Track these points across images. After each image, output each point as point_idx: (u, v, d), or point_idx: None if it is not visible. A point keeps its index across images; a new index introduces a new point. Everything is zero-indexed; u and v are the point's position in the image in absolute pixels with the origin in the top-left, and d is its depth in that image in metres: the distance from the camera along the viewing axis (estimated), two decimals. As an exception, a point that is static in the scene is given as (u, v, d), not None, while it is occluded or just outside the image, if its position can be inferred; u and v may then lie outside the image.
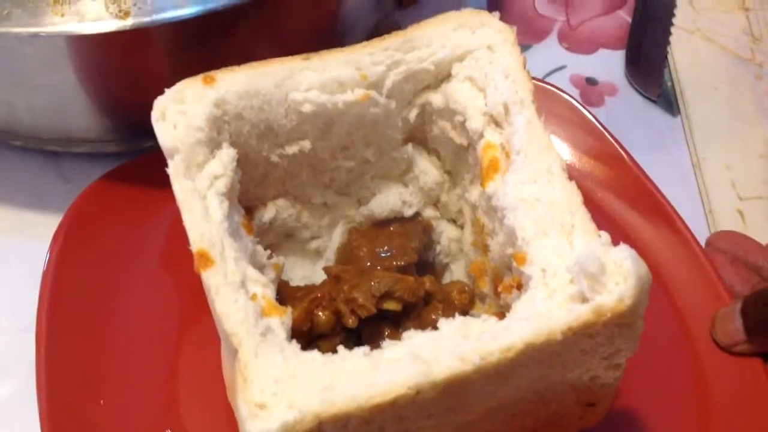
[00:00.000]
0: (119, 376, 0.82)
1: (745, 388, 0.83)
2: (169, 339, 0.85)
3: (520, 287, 0.69)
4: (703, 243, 0.93)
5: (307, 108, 0.73)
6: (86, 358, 0.83)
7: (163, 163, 0.69)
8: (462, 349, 0.60)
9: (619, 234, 0.66)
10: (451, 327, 0.63)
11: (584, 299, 0.62)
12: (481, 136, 0.75)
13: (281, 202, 0.81)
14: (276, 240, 0.84)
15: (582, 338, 0.62)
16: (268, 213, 0.81)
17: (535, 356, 0.61)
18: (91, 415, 0.80)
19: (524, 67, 0.75)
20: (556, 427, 0.74)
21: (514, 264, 0.69)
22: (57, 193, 0.98)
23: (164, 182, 0.68)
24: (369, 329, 0.75)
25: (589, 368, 0.67)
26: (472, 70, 0.76)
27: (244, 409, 0.59)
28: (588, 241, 0.65)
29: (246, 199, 0.77)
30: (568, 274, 0.64)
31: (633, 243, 0.70)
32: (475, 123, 0.75)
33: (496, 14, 0.77)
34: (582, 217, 0.67)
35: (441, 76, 0.78)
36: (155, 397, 0.82)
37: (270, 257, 0.74)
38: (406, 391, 0.58)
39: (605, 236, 0.65)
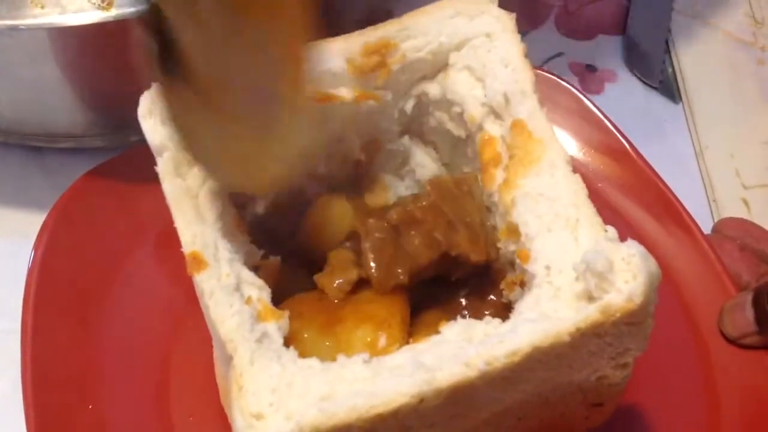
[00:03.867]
0: (108, 380, 0.80)
1: (755, 382, 0.81)
2: (160, 340, 0.82)
3: (523, 285, 0.67)
4: (707, 233, 0.90)
5: None
6: (74, 361, 0.80)
7: (150, 157, 0.67)
8: (466, 354, 0.58)
9: (623, 227, 0.64)
10: (453, 330, 0.61)
11: (591, 298, 0.60)
12: (480, 128, 0.73)
13: (271, 193, 0.78)
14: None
15: (590, 339, 0.60)
16: (259, 206, 0.78)
17: (542, 359, 0.59)
18: (79, 420, 0.78)
19: (525, 56, 0.72)
20: (562, 428, 0.73)
21: (518, 261, 0.66)
22: (41, 190, 0.95)
23: (152, 177, 0.66)
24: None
25: (596, 369, 0.65)
26: (470, 59, 0.74)
27: (239, 419, 0.57)
28: (594, 236, 0.64)
29: (235, 195, 0.75)
30: (573, 272, 0.62)
31: (637, 236, 0.68)
32: (474, 114, 0.73)
33: (495, 0, 0.75)
34: (587, 212, 0.65)
35: (438, 66, 0.76)
36: (146, 402, 0.79)
37: (265, 257, 0.71)
38: (409, 399, 0.56)
39: (612, 231, 0.63)
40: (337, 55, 0.72)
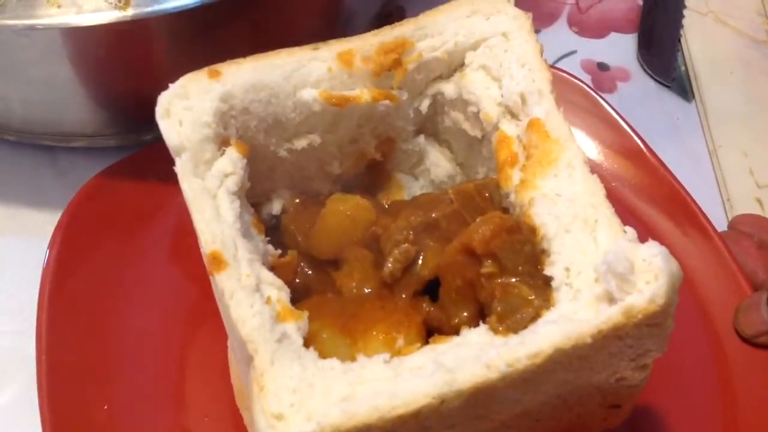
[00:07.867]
0: (124, 380, 0.80)
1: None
2: (175, 340, 0.82)
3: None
4: (722, 231, 0.90)
5: (317, 107, 0.70)
6: (89, 361, 0.80)
7: (164, 156, 0.67)
8: (487, 355, 0.57)
9: (637, 226, 0.63)
10: (474, 332, 0.61)
11: (612, 299, 0.60)
12: (496, 127, 0.73)
13: (286, 192, 0.78)
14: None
15: (611, 341, 0.60)
16: (275, 207, 0.78)
17: (563, 361, 0.59)
18: (95, 420, 0.78)
19: (541, 55, 0.72)
20: (580, 430, 0.72)
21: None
22: (53, 190, 0.95)
23: (166, 176, 0.66)
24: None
25: (616, 370, 0.65)
26: (486, 59, 0.74)
27: (261, 420, 0.56)
28: (613, 236, 0.63)
29: (251, 195, 0.74)
30: (593, 273, 0.61)
31: (651, 235, 0.68)
32: (490, 114, 0.73)
33: (511, 0, 0.75)
34: (605, 212, 0.65)
35: (454, 65, 0.75)
36: (161, 402, 0.79)
37: (282, 255, 0.71)
38: (431, 400, 0.56)
39: (631, 232, 0.63)
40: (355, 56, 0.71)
